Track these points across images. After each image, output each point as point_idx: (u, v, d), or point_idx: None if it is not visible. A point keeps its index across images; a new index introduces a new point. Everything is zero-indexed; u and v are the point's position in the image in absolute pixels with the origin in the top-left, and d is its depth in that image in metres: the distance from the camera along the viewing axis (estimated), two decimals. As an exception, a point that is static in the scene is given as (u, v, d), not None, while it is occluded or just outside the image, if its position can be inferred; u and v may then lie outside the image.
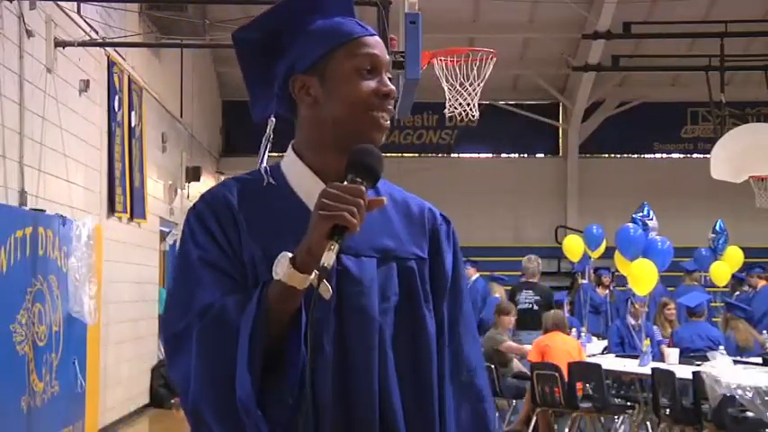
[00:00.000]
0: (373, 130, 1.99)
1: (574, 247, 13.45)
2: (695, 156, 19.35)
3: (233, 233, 1.96)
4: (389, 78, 2.05)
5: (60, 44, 8.78)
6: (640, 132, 19.50)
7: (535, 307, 11.08)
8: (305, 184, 2.03)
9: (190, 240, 1.97)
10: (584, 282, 14.54)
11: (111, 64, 10.50)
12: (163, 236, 13.93)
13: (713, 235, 13.70)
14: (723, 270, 13.49)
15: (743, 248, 14.02)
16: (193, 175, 15.52)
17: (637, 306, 10.56)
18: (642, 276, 9.80)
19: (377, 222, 1.97)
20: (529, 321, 10.76)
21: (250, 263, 1.93)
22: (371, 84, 2.01)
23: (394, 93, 2.02)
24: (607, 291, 15.39)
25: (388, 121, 2.02)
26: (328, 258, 1.75)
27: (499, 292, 13.69)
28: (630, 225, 10.17)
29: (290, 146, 2.17)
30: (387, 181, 2.06)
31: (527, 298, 11.39)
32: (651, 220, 10.15)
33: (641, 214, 10.24)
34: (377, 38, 2.11)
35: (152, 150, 12.79)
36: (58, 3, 8.88)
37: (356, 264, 1.95)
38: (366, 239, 1.94)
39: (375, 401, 1.90)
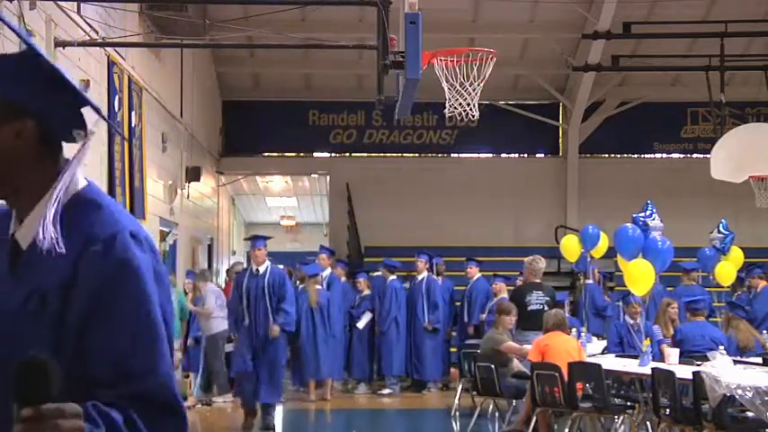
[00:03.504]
0: None
1: (572, 247, 13.44)
2: (695, 156, 19.34)
3: None
4: None
5: (60, 44, 8.78)
6: (640, 132, 19.48)
7: (545, 308, 10.98)
8: None
9: None
10: (590, 282, 14.53)
11: (111, 64, 10.50)
12: (163, 235, 13.93)
13: (719, 235, 13.66)
14: (729, 270, 13.47)
15: (743, 248, 14.02)
16: (193, 175, 15.53)
17: (636, 306, 10.57)
18: (639, 276, 9.80)
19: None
20: (540, 322, 10.48)
21: None
22: None
23: None
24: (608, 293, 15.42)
25: None
26: None
27: (504, 292, 13.69)
28: (629, 225, 10.15)
29: None
30: (94, 205, 2.02)
31: (538, 299, 11.33)
32: (653, 220, 10.12)
33: (643, 214, 10.22)
34: None
35: (152, 150, 12.79)
36: (58, 3, 8.88)
37: None
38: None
39: None
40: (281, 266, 15.26)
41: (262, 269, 11.16)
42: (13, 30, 2.12)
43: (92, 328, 1.88)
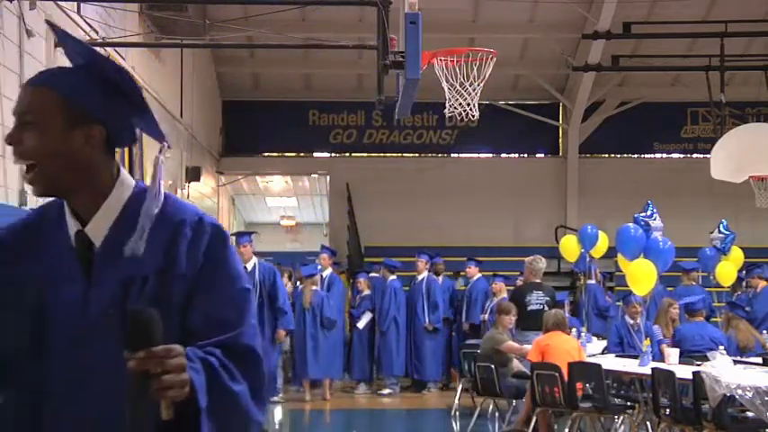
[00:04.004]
0: None
1: (571, 247, 13.44)
2: (695, 156, 19.34)
3: None
4: (28, 123, 2.13)
5: (60, 44, 8.76)
6: (640, 132, 19.48)
7: (546, 308, 10.99)
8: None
9: None
10: (591, 282, 14.52)
11: (111, 64, 10.48)
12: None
13: (720, 235, 13.65)
14: (729, 270, 13.46)
15: (743, 248, 14.02)
16: (193, 175, 15.52)
17: (636, 306, 10.56)
18: (641, 276, 9.80)
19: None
20: (540, 322, 10.44)
21: None
22: None
23: (9, 141, 2.14)
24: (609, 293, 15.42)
25: (32, 171, 2.14)
26: None
27: (504, 292, 13.69)
28: (631, 225, 10.15)
29: None
30: (169, 196, 2.28)
31: (538, 299, 11.34)
32: (654, 220, 10.13)
33: (644, 214, 10.23)
34: (24, 89, 2.19)
35: (152, 150, 12.78)
36: (58, 3, 8.88)
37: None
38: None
39: None
40: (279, 266, 15.24)
41: (249, 266, 10.93)
42: (68, 38, 2.31)
43: (196, 298, 2.17)
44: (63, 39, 2.26)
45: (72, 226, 2.20)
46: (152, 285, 2.14)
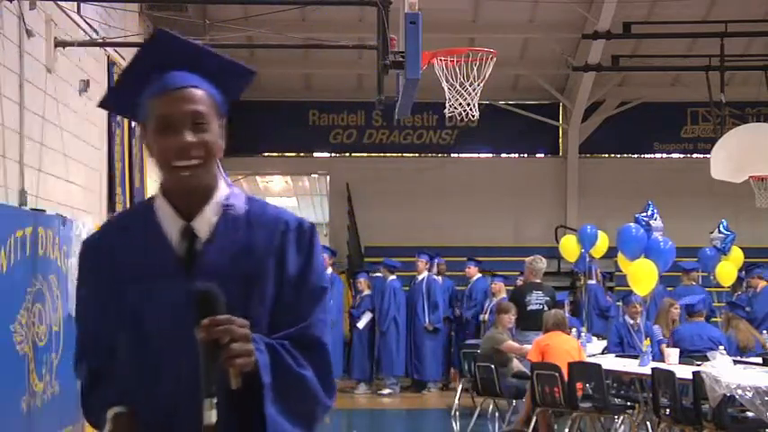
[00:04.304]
0: (177, 184, 2.24)
1: (571, 247, 13.44)
2: (695, 156, 19.32)
3: None
4: (200, 124, 2.22)
5: (60, 44, 8.77)
6: (640, 132, 19.47)
7: (545, 308, 10.99)
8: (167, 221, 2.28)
9: None
10: (592, 282, 14.52)
11: (111, 64, 10.50)
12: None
13: (720, 235, 13.65)
14: (730, 270, 13.46)
15: (743, 248, 14.02)
16: (193, 175, 15.52)
17: (636, 306, 10.57)
18: (642, 276, 9.81)
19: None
20: (540, 322, 10.41)
21: None
22: (169, 141, 2.20)
23: (187, 145, 2.19)
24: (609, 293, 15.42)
25: (196, 169, 2.20)
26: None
27: (503, 292, 13.69)
28: (632, 225, 10.16)
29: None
30: (255, 198, 2.36)
31: (538, 299, 11.35)
32: (655, 220, 10.13)
33: (645, 214, 10.23)
34: (182, 92, 2.23)
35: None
36: (58, 3, 8.88)
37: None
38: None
39: None
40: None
41: None
42: (189, 43, 2.38)
43: (286, 294, 2.29)
44: (188, 45, 2.33)
45: (175, 222, 2.26)
46: (262, 287, 2.26)
